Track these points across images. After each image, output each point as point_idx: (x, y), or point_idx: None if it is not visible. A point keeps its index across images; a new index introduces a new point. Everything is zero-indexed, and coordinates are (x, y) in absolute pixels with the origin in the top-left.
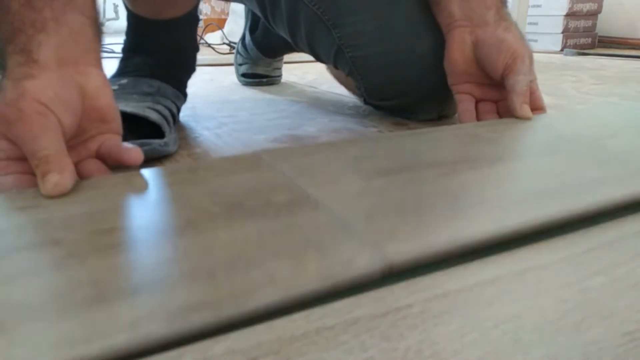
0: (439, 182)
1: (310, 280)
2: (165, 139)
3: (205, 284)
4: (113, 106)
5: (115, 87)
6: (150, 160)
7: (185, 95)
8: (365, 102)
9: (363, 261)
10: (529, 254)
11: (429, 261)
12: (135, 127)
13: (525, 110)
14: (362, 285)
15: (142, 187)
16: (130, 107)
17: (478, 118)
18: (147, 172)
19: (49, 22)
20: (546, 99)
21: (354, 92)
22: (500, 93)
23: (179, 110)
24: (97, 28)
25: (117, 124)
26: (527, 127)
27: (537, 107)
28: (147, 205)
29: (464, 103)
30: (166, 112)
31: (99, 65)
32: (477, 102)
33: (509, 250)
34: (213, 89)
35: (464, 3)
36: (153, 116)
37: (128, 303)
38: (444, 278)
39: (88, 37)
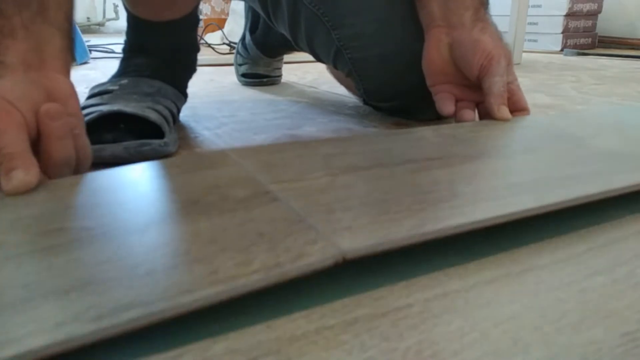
0: (409, 178)
1: (254, 274)
2: (165, 139)
3: (142, 283)
4: (80, 116)
5: (116, 87)
6: (151, 160)
7: (185, 96)
8: (365, 102)
9: (314, 254)
10: (529, 254)
11: (386, 252)
12: (135, 127)
13: (503, 111)
14: (312, 277)
15: (101, 186)
16: (130, 108)
17: (456, 116)
18: (110, 172)
19: (17, 30)
20: (546, 99)
21: (354, 92)
22: (480, 95)
23: (179, 110)
24: (68, 40)
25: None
26: (507, 128)
27: (519, 109)
28: (101, 206)
29: (442, 93)
30: (166, 112)
31: (66, 74)
32: (457, 102)
33: (509, 250)
34: (213, 89)
35: (443, 3)
36: (153, 116)
37: (57, 304)
38: (444, 278)
39: (56, 47)
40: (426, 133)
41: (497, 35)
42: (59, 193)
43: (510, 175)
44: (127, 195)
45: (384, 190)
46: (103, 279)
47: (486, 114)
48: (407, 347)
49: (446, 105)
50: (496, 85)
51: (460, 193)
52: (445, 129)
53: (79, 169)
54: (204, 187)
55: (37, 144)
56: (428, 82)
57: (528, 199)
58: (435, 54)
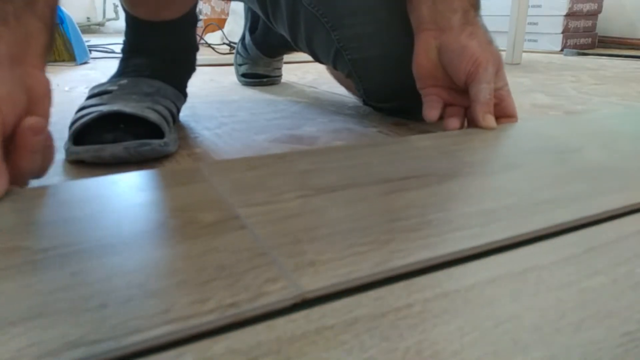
0: (382, 201)
1: (208, 314)
2: (165, 139)
3: (92, 318)
4: (49, 116)
5: (115, 88)
6: (151, 160)
7: (185, 95)
8: (365, 102)
9: (272, 294)
10: (529, 254)
11: (348, 290)
12: (135, 127)
13: (488, 120)
14: (269, 317)
15: (64, 200)
16: (130, 108)
17: (444, 124)
18: (76, 184)
19: (9, 18)
20: (546, 99)
21: (353, 93)
22: (469, 99)
23: (178, 110)
24: (50, 36)
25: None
26: (491, 139)
27: (506, 115)
28: (61, 223)
29: (430, 97)
30: (166, 113)
31: (44, 70)
32: (446, 106)
33: (509, 250)
34: (213, 89)
35: (433, 4)
36: (152, 117)
37: (1, 338)
38: (444, 278)
39: (41, 43)
40: (406, 145)
41: (486, 40)
42: (21, 205)
43: (485, 199)
44: (89, 212)
45: (354, 217)
46: (53, 310)
47: (473, 121)
48: (407, 347)
49: (431, 111)
50: (482, 92)
51: (431, 221)
52: (428, 139)
53: (36, 175)
54: (171, 207)
55: (5, 146)
56: (418, 85)
57: (499, 228)
58: (423, 57)
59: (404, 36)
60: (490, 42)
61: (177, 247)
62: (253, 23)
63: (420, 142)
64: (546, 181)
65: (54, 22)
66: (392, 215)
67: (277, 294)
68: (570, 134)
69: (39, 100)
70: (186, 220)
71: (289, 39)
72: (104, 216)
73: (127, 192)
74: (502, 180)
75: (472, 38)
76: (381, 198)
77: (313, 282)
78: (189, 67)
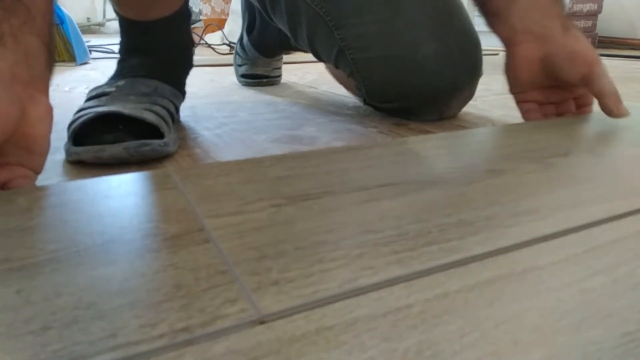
0: (356, 211)
1: (158, 340)
2: (165, 139)
3: (34, 340)
4: (47, 140)
5: (113, 89)
6: (151, 160)
7: (183, 93)
8: (365, 102)
9: (229, 317)
10: (529, 254)
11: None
12: (134, 128)
13: (622, 109)
14: (224, 338)
15: (22, 208)
16: (128, 109)
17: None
18: (39, 190)
19: (6, 37)
20: None
21: (353, 92)
22: (562, 94)
23: (177, 109)
24: (50, 56)
25: (42, 160)
26: (479, 142)
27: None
28: (12, 233)
29: (527, 105)
30: (164, 113)
31: (47, 94)
32: (539, 105)
33: (509, 251)
34: (213, 89)
35: (525, 15)
36: (150, 118)
37: None
38: (444, 278)
39: (42, 63)
40: (387, 150)
41: (587, 40)
42: None
43: (465, 209)
44: (47, 221)
45: (326, 228)
46: None
47: (566, 112)
48: (407, 348)
49: (531, 116)
50: (607, 86)
51: (404, 233)
52: (409, 143)
53: None
54: (134, 217)
55: None
56: (511, 90)
57: (477, 241)
58: (525, 70)
59: (408, 38)
60: (589, 42)
61: (134, 262)
62: (250, 23)
63: (402, 146)
64: (528, 190)
65: (52, 39)
66: (365, 227)
67: (232, 318)
68: (560, 136)
69: (36, 121)
70: (148, 231)
71: (289, 34)
72: (62, 226)
73: (91, 199)
74: (483, 189)
75: (578, 42)
76: (356, 207)
77: (274, 304)
78: (186, 64)
